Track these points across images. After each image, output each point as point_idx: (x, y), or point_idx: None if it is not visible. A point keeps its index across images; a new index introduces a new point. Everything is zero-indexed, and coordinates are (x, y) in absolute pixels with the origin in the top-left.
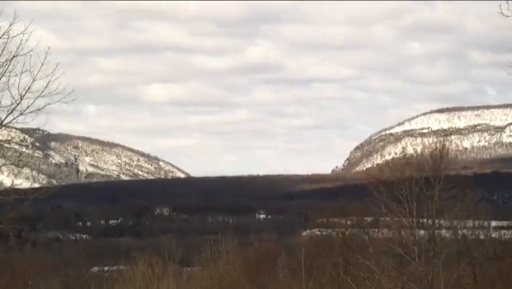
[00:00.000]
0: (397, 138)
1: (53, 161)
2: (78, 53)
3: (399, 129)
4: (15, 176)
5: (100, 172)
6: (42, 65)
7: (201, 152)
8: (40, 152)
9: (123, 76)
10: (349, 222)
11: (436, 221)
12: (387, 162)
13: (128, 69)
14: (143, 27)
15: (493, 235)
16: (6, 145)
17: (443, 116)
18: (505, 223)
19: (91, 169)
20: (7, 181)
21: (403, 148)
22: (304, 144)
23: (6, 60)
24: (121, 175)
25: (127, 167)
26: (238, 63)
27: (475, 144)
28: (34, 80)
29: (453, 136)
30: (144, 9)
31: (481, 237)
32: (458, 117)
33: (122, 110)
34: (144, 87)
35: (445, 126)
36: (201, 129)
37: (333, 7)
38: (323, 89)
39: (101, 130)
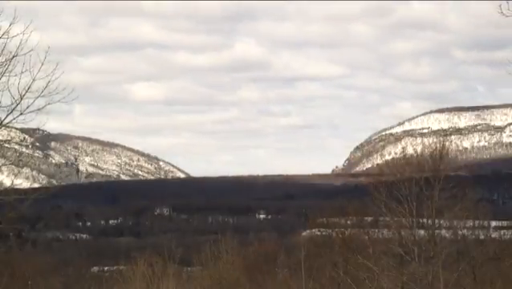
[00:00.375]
0: (397, 138)
1: (53, 161)
2: (56, 51)
3: (399, 129)
4: (15, 176)
5: (100, 172)
6: (42, 65)
7: (194, 152)
8: (40, 152)
9: (104, 75)
10: (349, 222)
11: (436, 221)
12: (387, 162)
13: (109, 67)
14: (116, 25)
15: (493, 235)
16: (6, 145)
17: (443, 116)
18: (505, 223)
19: (91, 169)
20: (7, 181)
21: (403, 148)
22: (300, 144)
23: (5, 60)
24: (121, 175)
25: (127, 167)
26: (222, 61)
27: (475, 144)
28: (34, 80)
29: (453, 136)
30: (115, 5)
31: (481, 237)
32: (458, 117)
33: (108, 108)
34: (128, 86)
35: (445, 126)
36: (191, 128)
37: (312, 7)
38: (310, 87)
39: (99, 130)
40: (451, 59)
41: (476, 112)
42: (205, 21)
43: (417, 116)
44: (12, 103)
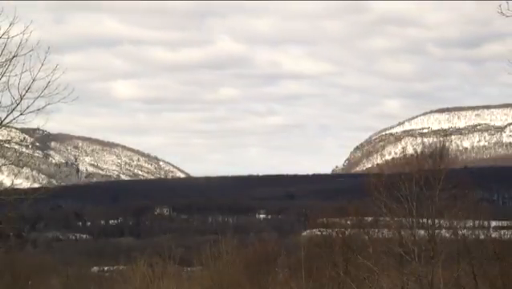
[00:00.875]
0: (397, 138)
1: (53, 161)
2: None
3: (399, 129)
4: (15, 176)
5: (100, 172)
6: (42, 65)
7: (190, 152)
8: (40, 152)
9: (83, 73)
10: (349, 222)
11: (436, 221)
12: (387, 162)
13: (87, 65)
14: (87, 21)
15: (493, 235)
16: (6, 145)
17: (443, 116)
18: (505, 223)
19: (91, 169)
20: (7, 181)
21: (403, 148)
22: (300, 144)
23: (6, 60)
24: (121, 175)
25: (127, 167)
26: (208, 58)
27: (475, 144)
28: (34, 80)
29: (453, 136)
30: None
31: (481, 237)
32: (458, 117)
33: (92, 107)
34: (111, 84)
35: (445, 126)
36: (183, 128)
37: (289, 6)
38: (299, 86)
39: (100, 130)
40: (447, 58)
41: (476, 112)
42: (177, 17)
43: (417, 116)
44: (12, 104)
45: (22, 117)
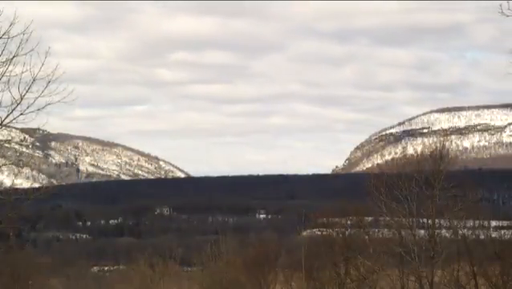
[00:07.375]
0: (397, 138)
1: (53, 161)
2: None
3: (399, 129)
4: (15, 176)
5: (100, 172)
6: (43, 65)
7: (192, 151)
8: (40, 152)
9: None
10: (349, 222)
11: (437, 221)
12: (387, 162)
13: None
14: None
15: (493, 235)
16: (6, 145)
17: (443, 116)
18: (505, 223)
19: (91, 169)
20: (7, 181)
21: (403, 148)
22: (299, 143)
23: (6, 60)
24: (121, 175)
25: (127, 167)
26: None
27: (475, 144)
28: (34, 80)
29: (453, 136)
30: None
31: (481, 237)
32: (458, 117)
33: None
34: None
35: (445, 126)
36: (186, 128)
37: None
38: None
39: (101, 130)
40: (449, 59)
41: (476, 112)
42: None
43: (417, 116)
44: (12, 103)
45: (22, 117)
